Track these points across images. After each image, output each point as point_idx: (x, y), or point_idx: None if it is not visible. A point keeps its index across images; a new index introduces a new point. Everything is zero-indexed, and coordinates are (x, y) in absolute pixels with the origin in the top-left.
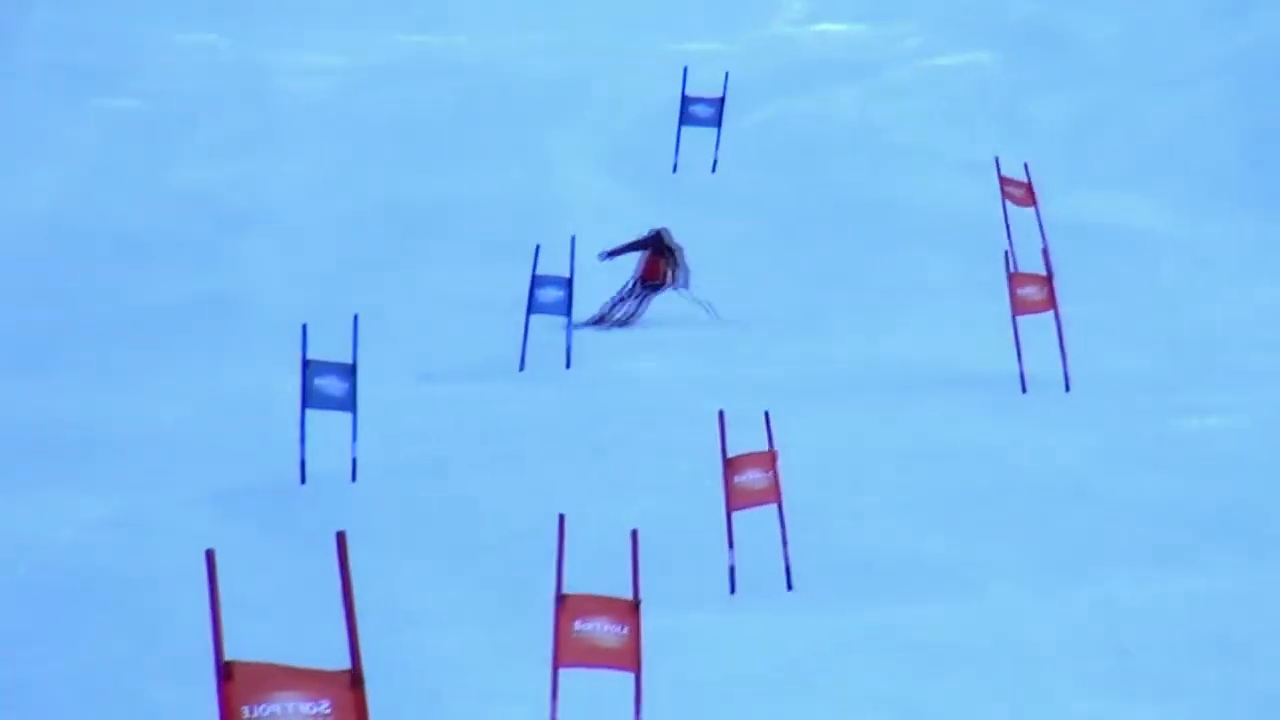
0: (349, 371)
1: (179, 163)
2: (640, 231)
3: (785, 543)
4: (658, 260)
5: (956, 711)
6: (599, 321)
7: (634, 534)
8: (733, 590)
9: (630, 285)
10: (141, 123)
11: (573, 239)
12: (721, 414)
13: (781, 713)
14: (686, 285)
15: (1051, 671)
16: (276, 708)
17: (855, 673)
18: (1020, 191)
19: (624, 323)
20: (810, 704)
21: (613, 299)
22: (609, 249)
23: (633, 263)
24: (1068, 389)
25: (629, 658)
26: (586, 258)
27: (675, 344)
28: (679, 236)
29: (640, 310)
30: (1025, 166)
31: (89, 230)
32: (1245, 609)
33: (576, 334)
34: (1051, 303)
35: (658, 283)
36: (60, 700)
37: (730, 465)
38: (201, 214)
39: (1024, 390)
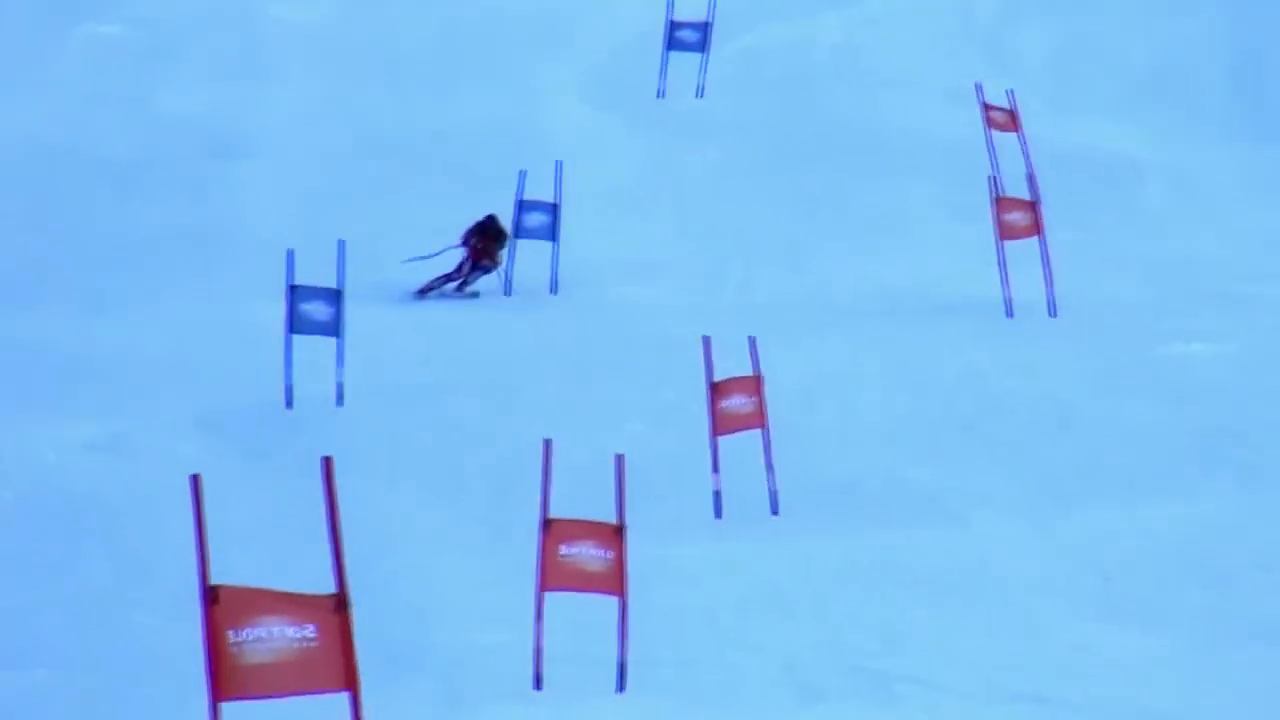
0: (335, 296)
1: (167, 90)
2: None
3: (770, 468)
4: (490, 243)
5: (940, 637)
6: (423, 292)
7: (619, 459)
8: (718, 515)
9: (462, 264)
10: (129, 49)
11: (558, 165)
12: (706, 339)
13: (766, 637)
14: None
15: (1035, 598)
16: (262, 631)
17: (839, 598)
18: (1003, 117)
19: (452, 292)
20: (795, 629)
21: (441, 276)
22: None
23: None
24: (1053, 314)
25: (614, 582)
26: (573, 183)
27: (660, 270)
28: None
29: (467, 285)
30: (1008, 93)
31: (76, 158)
32: (1229, 537)
33: (514, 268)
34: (1037, 228)
35: (488, 265)
36: (45, 626)
37: (715, 390)
38: (189, 142)
39: (1009, 315)
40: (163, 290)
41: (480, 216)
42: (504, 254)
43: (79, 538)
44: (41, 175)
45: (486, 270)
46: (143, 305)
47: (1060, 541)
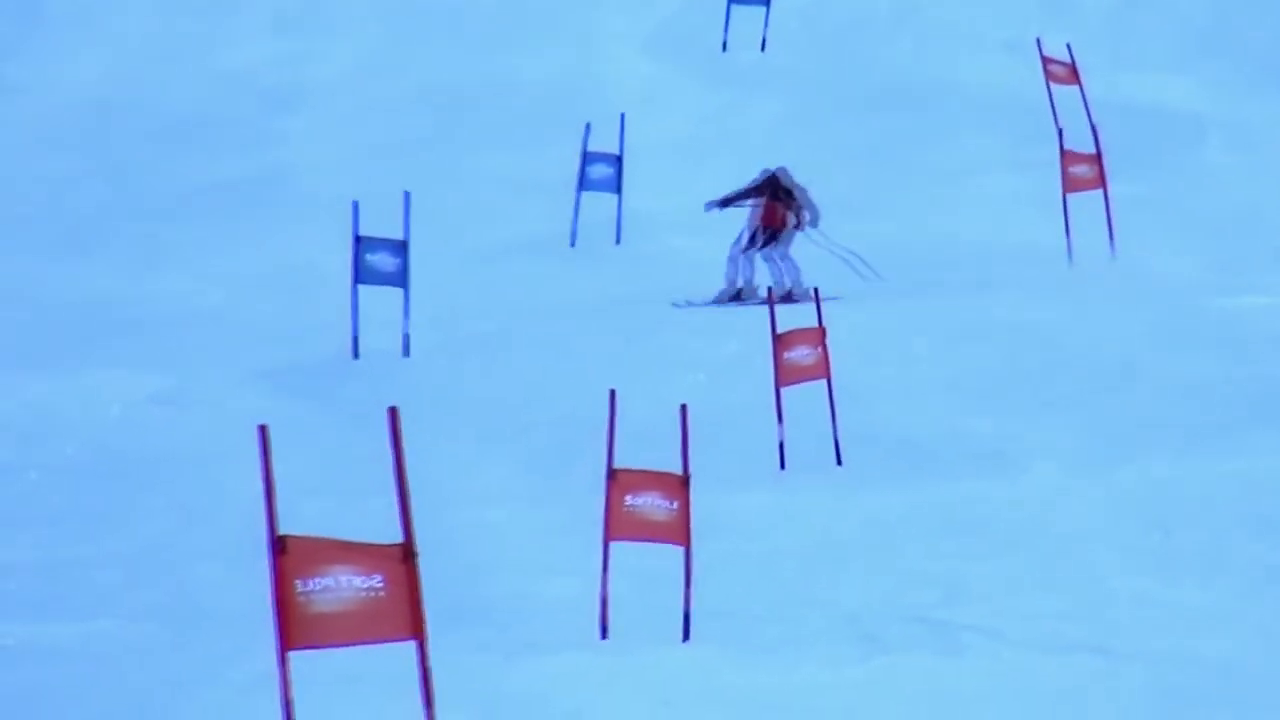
0: (401, 248)
1: (226, 43)
2: (749, 175)
3: (834, 418)
4: (774, 205)
5: (1000, 589)
6: (732, 299)
7: (683, 409)
8: (783, 466)
9: (745, 239)
10: (189, 3)
11: (622, 117)
12: (770, 290)
13: (829, 589)
14: (815, 224)
15: (1094, 550)
16: (329, 581)
17: (902, 549)
18: (1064, 71)
19: (787, 294)
20: (857, 580)
21: (730, 261)
22: (716, 199)
23: (743, 216)
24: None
25: (679, 532)
26: (636, 135)
27: (722, 221)
28: (797, 171)
29: (781, 270)
30: (1068, 46)
31: (138, 110)
32: None
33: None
34: (1101, 181)
35: (777, 229)
36: (108, 579)
37: (780, 341)
38: (248, 94)
39: (1072, 264)
40: (224, 242)
41: (755, 176)
42: (808, 212)
43: (141, 489)
44: (102, 129)
45: (777, 237)
46: (205, 257)
47: (1119, 494)
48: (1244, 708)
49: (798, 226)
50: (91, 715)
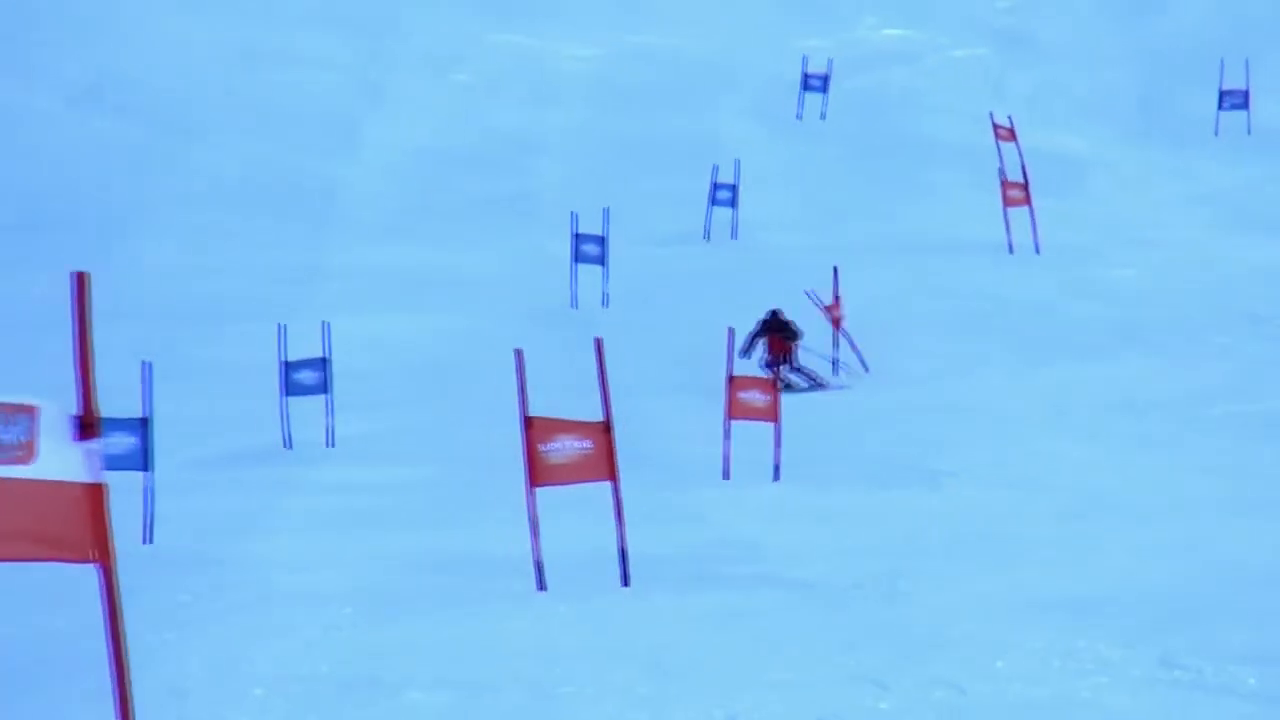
0: (602, 240)
1: (494, 113)
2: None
3: (855, 346)
4: (778, 340)
5: (961, 446)
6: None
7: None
8: (835, 372)
9: (764, 366)
10: (473, 90)
11: (737, 161)
12: (835, 268)
13: (858, 447)
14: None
15: (1019, 423)
16: (558, 445)
17: (902, 423)
18: (1005, 132)
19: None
20: (864, 443)
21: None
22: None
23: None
24: (1038, 252)
25: (773, 414)
26: (745, 171)
27: (794, 224)
28: (840, 189)
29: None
30: (1009, 117)
31: (444, 153)
32: (1139, 387)
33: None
34: (1028, 199)
35: (783, 357)
36: (448, 440)
37: (835, 304)
38: (508, 144)
39: (1010, 252)
40: (495, 235)
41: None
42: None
43: (447, 385)
44: (421, 166)
45: (785, 362)
46: (484, 244)
47: (1034, 388)
48: (1117, 526)
49: (793, 356)
50: (405, 525)
